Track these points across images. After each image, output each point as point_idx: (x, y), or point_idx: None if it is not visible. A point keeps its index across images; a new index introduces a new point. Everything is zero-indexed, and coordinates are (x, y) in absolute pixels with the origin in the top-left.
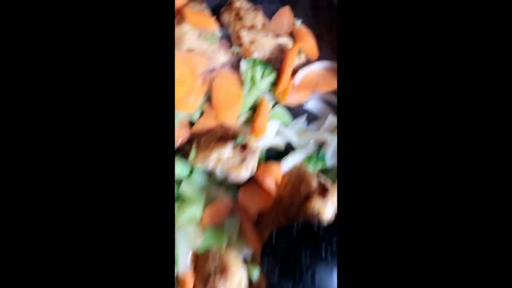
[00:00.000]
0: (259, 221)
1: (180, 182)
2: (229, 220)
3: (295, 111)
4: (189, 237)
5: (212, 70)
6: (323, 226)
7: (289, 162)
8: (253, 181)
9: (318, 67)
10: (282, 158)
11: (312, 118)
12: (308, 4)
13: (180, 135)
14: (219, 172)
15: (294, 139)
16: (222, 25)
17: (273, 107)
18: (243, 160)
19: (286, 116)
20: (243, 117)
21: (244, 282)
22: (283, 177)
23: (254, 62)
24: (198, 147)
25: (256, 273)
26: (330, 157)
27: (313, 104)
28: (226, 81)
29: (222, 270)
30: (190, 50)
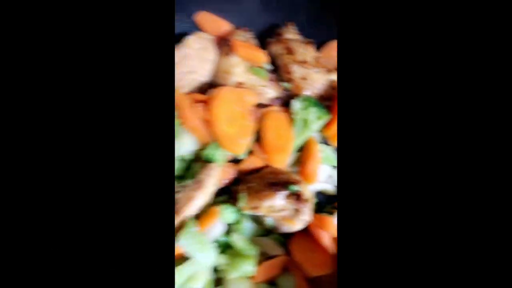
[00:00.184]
0: (314, 281)
1: (228, 228)
2: (284, 279)
3: None
4: None
5: (260, 106)
6: None
7: None
8: (305, 232)
9: None
10: (332, 203)
11: None
12: None
13: (226, 174)
14: (269, 221)
15: None
16: (270, 57)
17: (322, 149)
18: (297, 211)
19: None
20: (292, 158)
21: None
22: None
23: (308, 102)
24: (248, 193)
25: None
26: None
27: None
28: (276, 122)
29: None
30: (239, 84)
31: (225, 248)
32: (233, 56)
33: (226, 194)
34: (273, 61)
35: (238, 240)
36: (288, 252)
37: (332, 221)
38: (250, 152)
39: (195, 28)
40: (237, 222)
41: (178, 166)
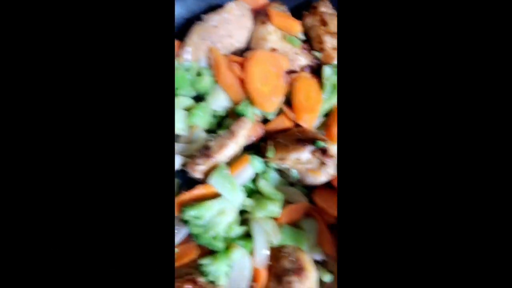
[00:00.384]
0: (335, 226)
1: (255, 177)
2: (306, 222)
3: None
4: (266, 232)
5: (292, 72)
6: None
7: None
8: (328, 186)
9: None
10: None
11: None
12: None
13: (255, 132)
14: (294, 173)
15: None
16: (304, 28)
17: None
18: (322, 164)
19: None
20: (318, 122)
21: (317, 285)
22: None
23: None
24: (276, 146)
25: (327, 277)
26: None
27: None
28: (306, 85)
29: (299, 270)
30: (273, 50)
31: (252, 193)
32: (269, 24)
33: (254, 150)
34: (307, 32)
35: (265, 186)
36: (311, 202)
37: None
38: (280, 113)
39: None
40: (264, 172)
41: (210, 120)
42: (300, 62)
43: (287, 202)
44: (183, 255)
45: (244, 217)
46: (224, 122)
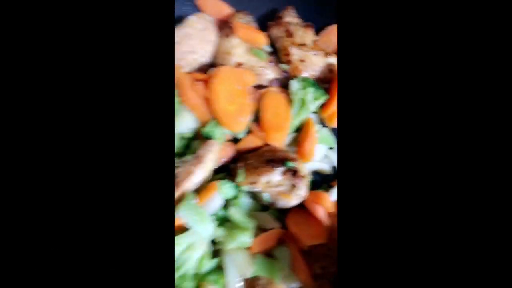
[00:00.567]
0: (309, 253)
1: (226, 203)
2: (280, 251)
3: None
4: (239, 265)
5: (259, 87)
6: None
7: None
8: (301, 208)
9: None
10: (328, 182)
11: None
12: None
13: (225, 153)
14: (266, 196)
15: None
16: (270, 39)
17: (319, 129)
18: (293, 186)
19: (333, 140)
20: (289, 138)
21: None
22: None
23: (306, 83)
24: (246, 169)
25: None
26: None
27: None
28: (274, 101)
29: None
30: (239, 65)
31: (223, 221)
32: (234, 37)
33: (225, 172)
34: (273, 43)
35: (236, 213)
36: (284, 226)
37: (327, 197)
38: (249, 132)
39: (197, 10)
40: (235, 197)
41: (178, 144)
42: (267, 76)
43: (259, 229)
44: None
45: (215, 247)
46: (192, 145)
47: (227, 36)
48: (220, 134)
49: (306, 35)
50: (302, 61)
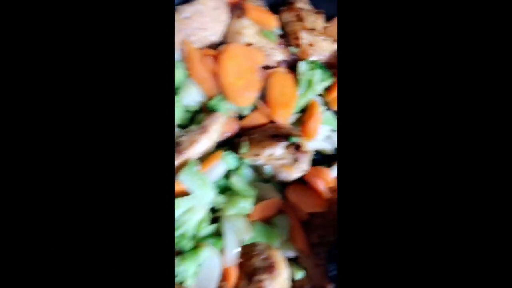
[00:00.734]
0: (307, 223)
1: (228, 173)
2: (279, 219)
3: None
4: (237, 230)
5: (267, 67)
6: None
7: None
8: (301, 182)
9: None
10: (329, 163)
11: None
12: None
13: (229, 128)
14: (268, 169)
15: None
16: (280, 23)
17: (323, 111)
18: (296, 160)
19: (336, 122)
20: (293, 117)
21: (288, 282)
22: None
23: (314, 65)
24: (250, 142)
25: (299, 274)
26: None
27: None
28: (281, 80)
29: (270, 268)
30: (249, 44)
31: (224, 190)
32: (245, 18)
33: (228, 146)
34: (283, 27)
35: (237, 182)
36: (284, 198)
37: (327, 172)
38: (254, 109)
39: None
40: (237, 168)
41: (182, 116)
42: (276, 58)
43: (260, 199)
44: None
45: (215, 215)
46: (196, 117)
47: (238, 16)
48: (225, 109)
49: (317, 21)
50: (311, 45)
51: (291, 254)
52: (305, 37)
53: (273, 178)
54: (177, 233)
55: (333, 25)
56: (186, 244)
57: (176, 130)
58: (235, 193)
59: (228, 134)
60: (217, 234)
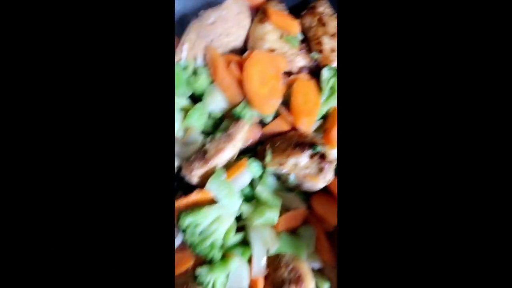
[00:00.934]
0: (332, 235)
1: (252, 182)
2: (304, 230)
3: None
4: (264, 240)
5: (290, 74)
6: None
7: None
8: (326, 191)
9: None
10: None
11: None
12: None
13: (252, 135)
14: (292, 178)
15: None
16: (302, 28)
17: None
18: (320, 170)
19: None
20: (316, 125)
21: None
22: None
23: (336, 71)
24: (274, 151)
25: (325, 286)
26: None
27: None
28: (305, 88)
29: (297, 280)
30: (271, 50)
31: (249, 199)
32: (267, 23)
33: (250, 153)
34: (305, 32)
35: (263, 192)
36: (309, 208)
37: None
38: (276, 116)
39: None
40: (262, 177)
41: (206, 122)
42: (298, 64)
43: (284, 208)
44: (178, 264)
45: (240, 224)
46: (220, 124)
47: (261, 21)
48: (249, 116)
49: None
50: (333, 50)
51: (317, 265)
52: (327, 43)
53: (297, 187)
54: (207, 242)
55: None
56: (215, 254)
57: (200, 136)
58: (261, 203)
59: (251, 141)
60: (244, 243)
